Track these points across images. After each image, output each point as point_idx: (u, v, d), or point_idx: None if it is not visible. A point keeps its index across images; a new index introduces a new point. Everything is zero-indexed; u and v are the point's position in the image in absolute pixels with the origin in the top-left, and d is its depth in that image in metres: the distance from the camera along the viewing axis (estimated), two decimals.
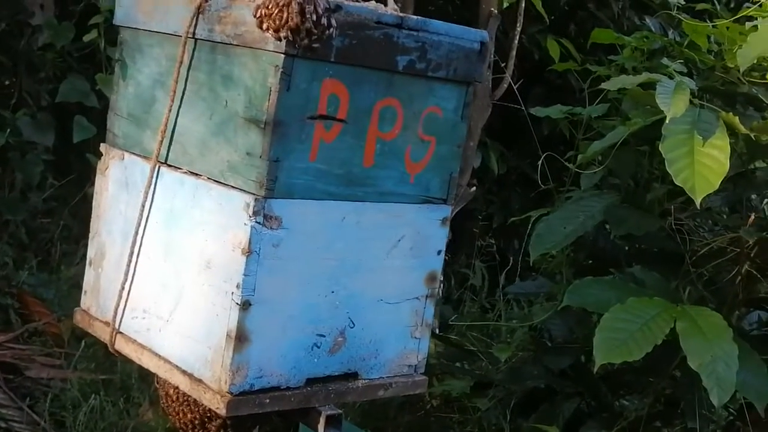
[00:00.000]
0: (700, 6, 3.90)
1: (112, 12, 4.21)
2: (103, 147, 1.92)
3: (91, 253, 1.92)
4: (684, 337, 2.45)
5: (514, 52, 3.85)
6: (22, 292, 4.42)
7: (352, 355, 1.74)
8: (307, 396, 1.68)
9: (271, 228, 1.59)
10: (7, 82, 4.89)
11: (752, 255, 2.84)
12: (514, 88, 3.78)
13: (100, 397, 3.71)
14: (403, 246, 1.76)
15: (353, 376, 1.75)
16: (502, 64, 3.70)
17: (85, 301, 1.93)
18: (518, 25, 3.92)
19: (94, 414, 3.63)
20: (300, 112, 1.58)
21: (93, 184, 4.47)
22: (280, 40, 1.53)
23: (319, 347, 1.69)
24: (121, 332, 1.82)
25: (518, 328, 3.95)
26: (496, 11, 3.81)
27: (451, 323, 4.43)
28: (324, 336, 1.70)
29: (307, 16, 1.53)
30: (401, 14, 1.68)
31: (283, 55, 1.54)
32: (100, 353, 4.05)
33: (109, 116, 1.91)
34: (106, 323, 1.85)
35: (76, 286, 4.39)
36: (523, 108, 3.76)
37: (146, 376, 3.83)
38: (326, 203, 1.65)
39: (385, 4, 1.75)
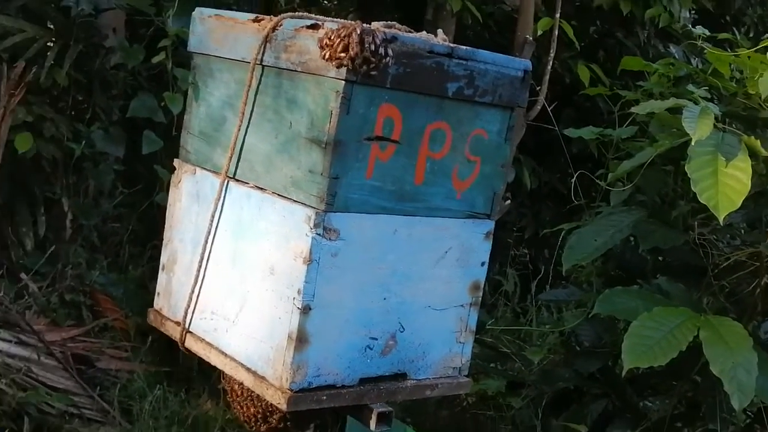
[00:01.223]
0: (721, 36, 3.87)
1: (179, 36, 4.30)
2: (176, 162, 1.94)
3: (164, 258, 1.94)
4: (707, 345, 2.43)
5: (547, 77, 3.85)
6: (94, 290, 4.46)
7: (402, 357, 1.75)
8: (360, 394, 1.69)
9: (330, 239, 1.60)
10: (81, 99, 4.94)
11: None
12: (548, 109, 3.78)
13: (163, 388, 3.73)
14: (449, 257, 1.77)
15: (402, 376, 1.76)
16: (537, 88, 3.69)
17: (158, 302, 1.95)
18: (551, 51, 3.92)
19: (158, 403, 3.66)
20: (358, 134, 1.59)
21: (160, 192, 4.53)
22: (341, 68, 1.54)
23: (371, 349, 1.70)
24: (190, 331, 1.84)
25: (549, 333, 3.94)
26: (530, 38, 3.82)
27: (486, 327, 4.42)
28: (376, 339, 1.70)
29: (366, 46, 1.54)
30: (451, 44, 1.69)
31: (343, 82, 1.55)
32: (163, 347, 4.08)
33: (183, 134, 1.93)
34: (177, 323, 1.87)
35: (142, 286, 4.44)
36: (556, 128, 3.75)
37: (206, 369, 3.85)
38: (380, 217, 1.66)
39: (436, 35, 1.76)
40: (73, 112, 4.83)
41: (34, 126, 4.51)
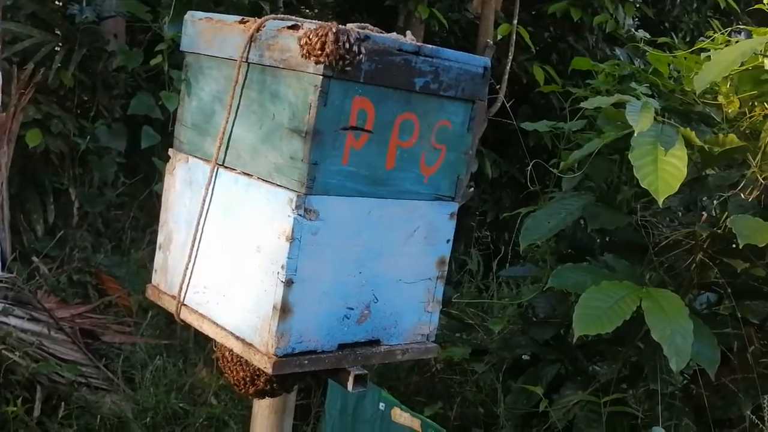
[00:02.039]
0: (661, 40, 3.88)
1: (174, 40, 4.26)
2: (170, 152, 1.92)
3: (160, 239, 1.92)
4: (648, 314, 2.44)
5: (506, 77, 3.85)
6: (99, 271, 4.44)
7: (376, 325, 1.74)
8: (338, 358, 1.68)
9: (310, 219, 1.59)
10: (86, 98, 4.90)
11: (705, 246, 2.83)
12: (507, 106, 3.78)
13: (163, 359, 3.72)
14: (418, 235, 1.76)
15: (376, 342, 1.75)
16: (496, 87, 3.69)
17: (155, 278, 1.93)
18: (510, 53, 3.92)
19: (158, 372, 3.64)
20: (334, 124, 1.58)
21: (158, 182, 4.50)
22: (319, 64, 1.53)
23: (348, 318, 1.69)
24: (185, 304, 1.82)
25: (509, 306, 3.95)
26: (491, 42, 3.81)
27: (452, 300, 4.43)
28: (353, 309, 1.69)
29: (341, 44, 1.53)
30: (419, 43, 1.68)
31: (321, 77, 1.53)
32: (162, 322, 4.07)
33: (176, 126, 1.91)
34: (173, 297, 1.85)
35: (143, 267, 4.43)
36: (514, 123, 3.75)
37: (201, 341, 3.85)
38: (355, 199, 1.65)
39: (404, 35, 1.74)
40: (78, 110, 4.81)
41: (42, 123, 4.48)
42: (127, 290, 4.31)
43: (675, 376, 2.89)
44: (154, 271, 1.94)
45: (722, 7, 5.65)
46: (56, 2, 4.84)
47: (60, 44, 4.65)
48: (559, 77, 4.61)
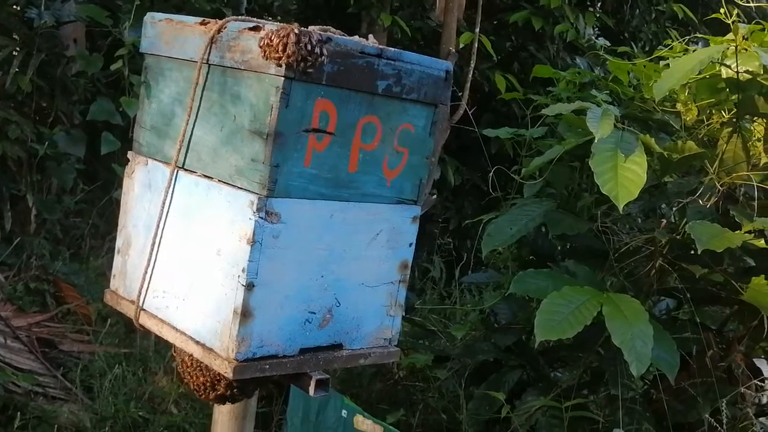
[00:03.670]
0: (621, 49, 3.93)
1: (135, 45, 4.22)
2: (129, 154, 1.89)
3: (119, 243, 1.89)
4: (609, 319, 2.45)
5: (468, 84, 3.86)
6: (57, 279, 4.37)
7: (338, 329, 1.72)
8: (300, 363, 1.66)
9: (271, 222, 1.57)
10: (44, 104, 4.83)
11: (664, 252, 2.85)
12: (469, 113, 3.79)
13: (122, 367, 3.67)
14: (380, 239, 1.75)
15: (339, 346, 1.73)
16: (459, 94, 3.70)
17: (114, 283, 1.90)
18: (472, 62, 3.94)
19: (117, 381, 3.59)
20: (296, 126, 1.57)
21: (117, 189, 4.45)
22: (280, 66, 1.52)
23: (310, 322, 1.67)
24: (144, 309, 1.79)
25: (471, 312, 3.96)
26: (453, 50, 3.83)
27: (415, 307, 4.43)
28: (314, 313, 1.68)
29: (303, 45, 1.52)
30: (381, 46, 1.67)
31: (282, 78, 1.52)
32: (122, 330, 4.01)
33: (135, 129, 1.88)
34: (132, 302, 1.82)
35: (102, 275, 4.37)
36: (476, 130, 3.76)
37: (161, 349, 3.80)
38: (318, 202, 1.64)
39: (367, 39, 1.74)
40: (36, 116, 4.74)
41: (0, 129, 4.40)
42: (86, 298, 4.24)
43: (635, 381, 2.91)
44: (112, 276, 1.91)
45: (680, 18, 5.74)
46: (14, 6, 4.76)
47: (17, 49, 4.58)
48: (520, 85, 4.64)
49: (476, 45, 4.02)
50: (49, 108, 4.76)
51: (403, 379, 3.83)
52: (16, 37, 4.65)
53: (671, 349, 2.59)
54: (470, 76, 3.89)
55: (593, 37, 5.45)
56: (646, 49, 5.77)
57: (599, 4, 6.08)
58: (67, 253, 4.61)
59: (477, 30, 4.04)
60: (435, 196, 3.75)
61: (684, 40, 3.16)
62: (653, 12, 6.14)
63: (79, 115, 4.77)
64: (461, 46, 4.20)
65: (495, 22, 5.87)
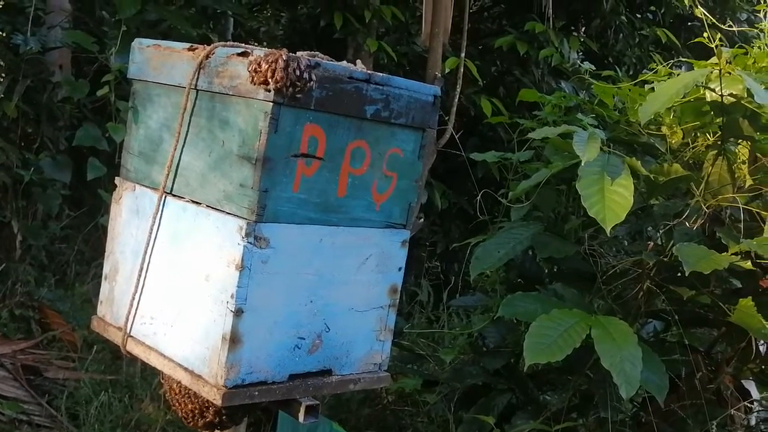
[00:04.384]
0: (605, 73, 3.95)
1: (121, 71, 4.21)
2: (117, 180, 1.88)
3: (106, 269, 1.88)
4: (598, 342, 2.44)
5: (454, 108, 3.87)
6: (42, 305, 4.33)
7: (327, 354, 1.72)
8: (289, 389, 1.65)
9: (260, 247, 1.56)
10: (30, 130, 4.82)
11: (651, 274, 2.85)
12: (456, 137, 3.80)
13: (108, 395, 3.63)
14: (370, 263, 1.75)
15: (328, 372, 1.73)
16: (445, 118, 3.72)
17: (101, 309, 1.89)
18: (458, 86, 3.96)
19: (103, 409, 3.55)
20: (285, 151, 1.57)
21: (104, 215, 4.43)
22: (269, 91, 1.52)
23: (299, 348, 1.67)
24: (131, 336, 1.78)
25: (459, 336, 3.94)
26: (439, 74, 3.84)
27: (403, 331, 4.41)
28: (304, 339, 1.67)
29: (291, 71, 1.52)
30: (369, 71, 1.68)
31: (271, 104, 1.52)
32: (108, 357, 3.97)
33: (123, 154, 1.88)
34: (119, 328, 1.80)
35: (88, 301, 4.33)
36: (463, 154, 3.77)
37: (148, 375, 3.76)
38: (307, 227, 1.64)
39: (355, 64, 1.74)
40: (22, 142, 4.71)
41: None
42: (72, 325, 4.20)
43: (625, 404, 2.90)
44: (99, 303, 1.89)
45: (663, 42, 5.79)
46: (0, 33, 4.76)
47: (3, 75, 4.57)
48: (506, 109, 4.66)
49: (462, 70, 4.04)
50: (35, 134, 4.74)
51: (392, 403, 3.80)
52: (1, 63, 4.65)
53: (660, 371, 2.59)
54: (456, 100, 3.91)
55: (578, 62, 5.49)
56: (630, 73, 5.81)
57: (583, 29, 6.14)
58: (53, 280, 4.58)
59: (462, 55, 4.06)
60: (422, 220, 3.75)
61: (668, 64, 3.18)
62: (637, 36, 6.20)
63: (65, 141, 4.76)
64: (447, 70, 4.22)
65: (480, 47, 5.90)
